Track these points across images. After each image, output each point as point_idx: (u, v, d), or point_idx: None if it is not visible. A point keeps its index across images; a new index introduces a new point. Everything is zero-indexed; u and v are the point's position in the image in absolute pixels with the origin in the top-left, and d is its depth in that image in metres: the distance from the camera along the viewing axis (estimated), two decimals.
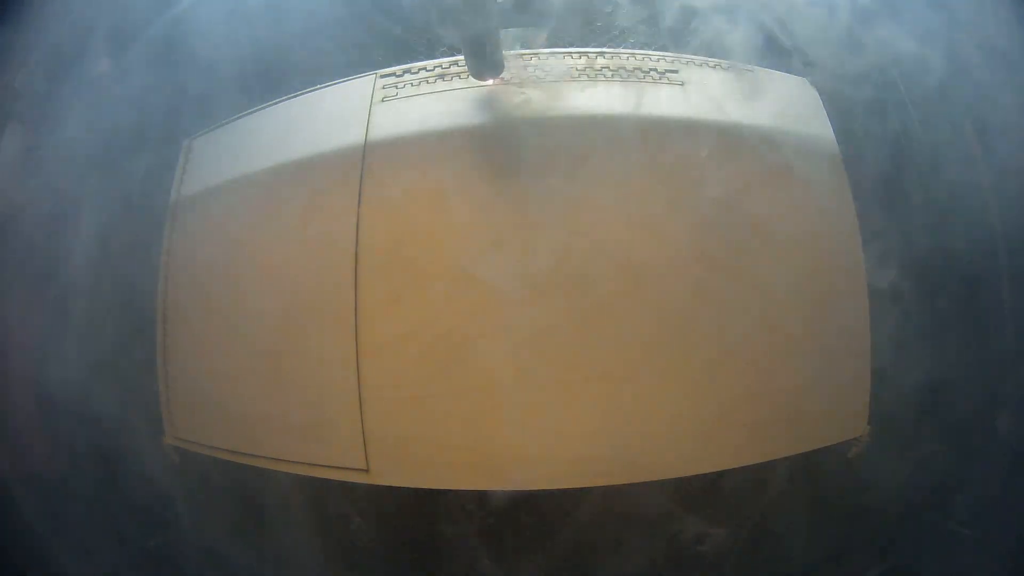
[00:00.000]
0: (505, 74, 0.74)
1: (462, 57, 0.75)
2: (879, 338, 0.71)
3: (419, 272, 0.72)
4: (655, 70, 0.77)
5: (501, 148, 0.74)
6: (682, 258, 0.71)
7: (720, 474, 0.69)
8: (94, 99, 0.76)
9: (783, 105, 0.76)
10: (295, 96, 0.79)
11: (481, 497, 0.70)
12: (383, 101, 0.77)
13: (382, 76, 0.78)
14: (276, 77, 0.78)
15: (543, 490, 0.70)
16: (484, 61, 0.72)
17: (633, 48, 0.78)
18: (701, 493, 0.69)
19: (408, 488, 0.70)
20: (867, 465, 0.72)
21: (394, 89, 0.77)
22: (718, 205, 0.72)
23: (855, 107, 0.76)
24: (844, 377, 0.73)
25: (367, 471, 0.70)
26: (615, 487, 0.69)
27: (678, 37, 0.75)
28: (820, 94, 0.76)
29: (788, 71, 0.77)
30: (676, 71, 0.77)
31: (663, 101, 0.75)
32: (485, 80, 0.74)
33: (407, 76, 0.78)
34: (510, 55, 0.74)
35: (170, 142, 0.79)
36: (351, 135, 0.75)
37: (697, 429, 0.70)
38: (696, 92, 0.76)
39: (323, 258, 0.73)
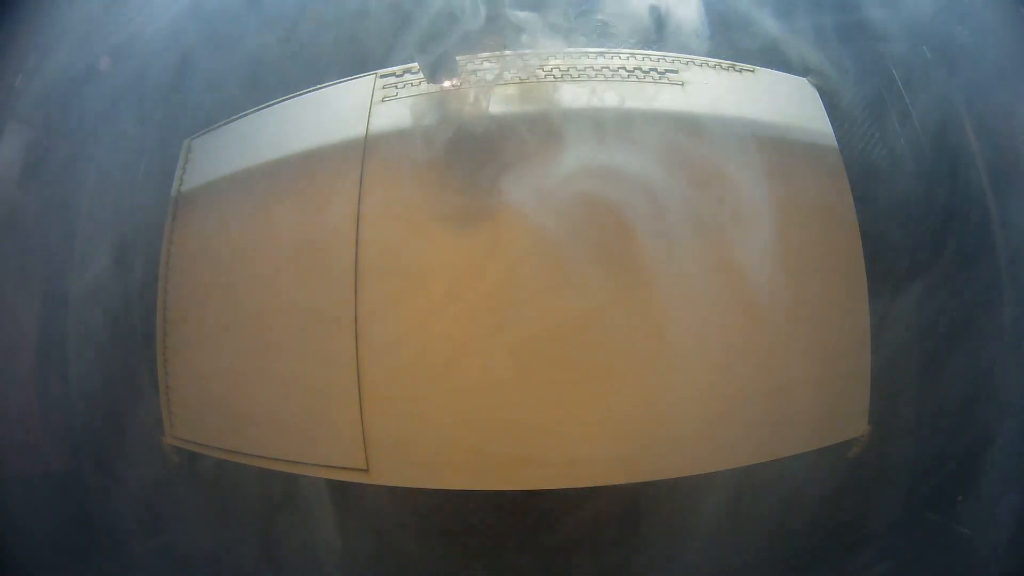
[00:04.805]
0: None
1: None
2: (879, 338, 0.71)
3: (419, 272, 0.72)
4: (655, 70, 0.77)
5: (502, 147, 0.74)
6: (681, 258, 0.71)
7: (720, 474, 0.69)
8: (94, 99, 0.76)
9: (783, 105, 0.76)
10: (295, 96, 0.79)
11: (480, 497, 0.71)
12: (383, 101, 0.77)
13: (382, 76, 0.78)
14: (277, 76, 0.78)
15: (542, 490, 0.70)
16: (437, 65, 0.73)
17: (633, 48, 0.78)
18: (701, 493, 0.69)
19: (408, 488, 0.70)
20: (867, 465, 0.72)
21: (394, 89, 0.77)
22: (718, 205, 0.72)
23: (855, 106, 0.76)
24: (844, 377, 0.73)
25: (367, 471, 0.70)
26: (613, 487, 0.69)
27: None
28: (820, 93, 0.77)
29: (788, 71, 0.77)
30: (676, 71, 0.77)
31: (663, 101, 0.75)
32: (440, 83, 0.75)
33: (407, 76, 0.77)
34: (466, 60, 0.74)
35: (170, 141, 0.79)
36: (351, 135, 0.75)
37: (697, 430, 0.70)
38: (696, 92, 0.76)
39: (323, 258, 0.73)
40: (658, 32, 0.76)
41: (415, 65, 0.77)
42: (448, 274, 0.72)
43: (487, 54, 0.75)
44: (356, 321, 0.70)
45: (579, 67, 0.76)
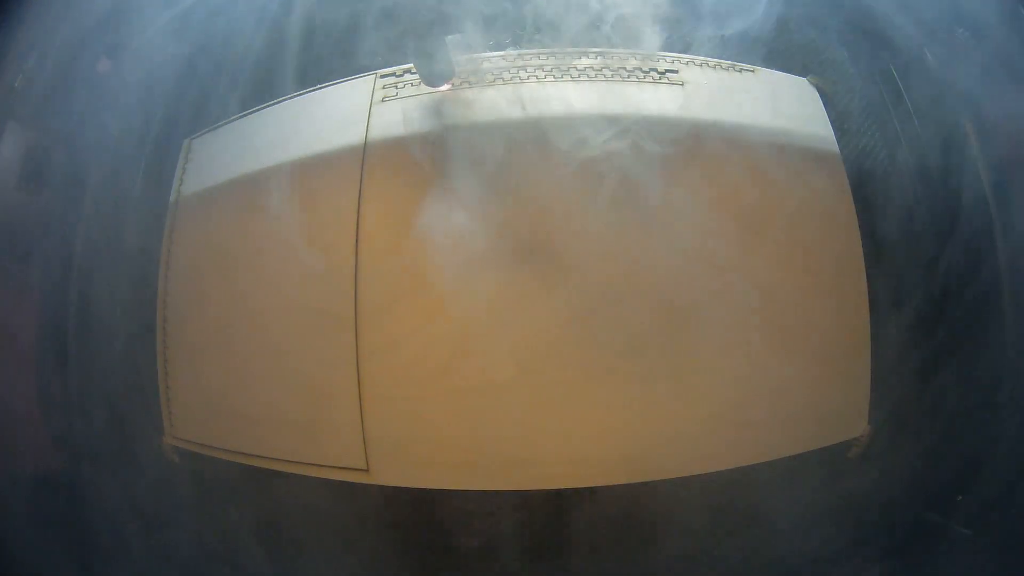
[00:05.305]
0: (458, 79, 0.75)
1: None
2: (879, 338, 0.71)
3: (419, 272, 0.72)
4: (655, 70, 0.77)
5: (501, 147, 0.74)
6: (681, 258, 0.71)
7: (721, 474, 0.69)
8: (94, 99, 0.76)
9: (783, 105, 0.76)
10: (295, 96, 0.79)
11: (480, 497, 0.71)
12: (383, 101, 0.77)
13: (382, 76, 0.78)
14: (277, 76, 0.78)
15: (542, 490, 0.70)
16: (434, 68, 0.73)
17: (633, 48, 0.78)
18: (701, 493, 0.69)
19: (407, 488, 0.70)
20: (867, 465, 0.72)
21: (394, 89, 0.77)
22: (718, 205, 0.72)
23: (855, 106, 0.76)
24: (844, 377, 0.73)
25: (367, 471, 0.70)
26: (613, 487, 0.69)
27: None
28: (820, 94, 0.77)
29: (788, 71, 0.77)
30: (676, 71, 0.77)
31: (663, 101, 0.75)
32: (437, 86, 0.75)
33: (407, 76, 0.78)
34: (461, 60, 0.75)
35: (170, 141, 0.79)
36: (351, 135, 0.75)
37: (697, 429, 0.70)
38: (696, 92, 0.76)
39: (323, 258, 0.73)
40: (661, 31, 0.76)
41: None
42: (448, 274, 0.72)
43: (485, 55, 0.75)
44: (356, 321, 0.70)
45: (579, 67, 0.76)
